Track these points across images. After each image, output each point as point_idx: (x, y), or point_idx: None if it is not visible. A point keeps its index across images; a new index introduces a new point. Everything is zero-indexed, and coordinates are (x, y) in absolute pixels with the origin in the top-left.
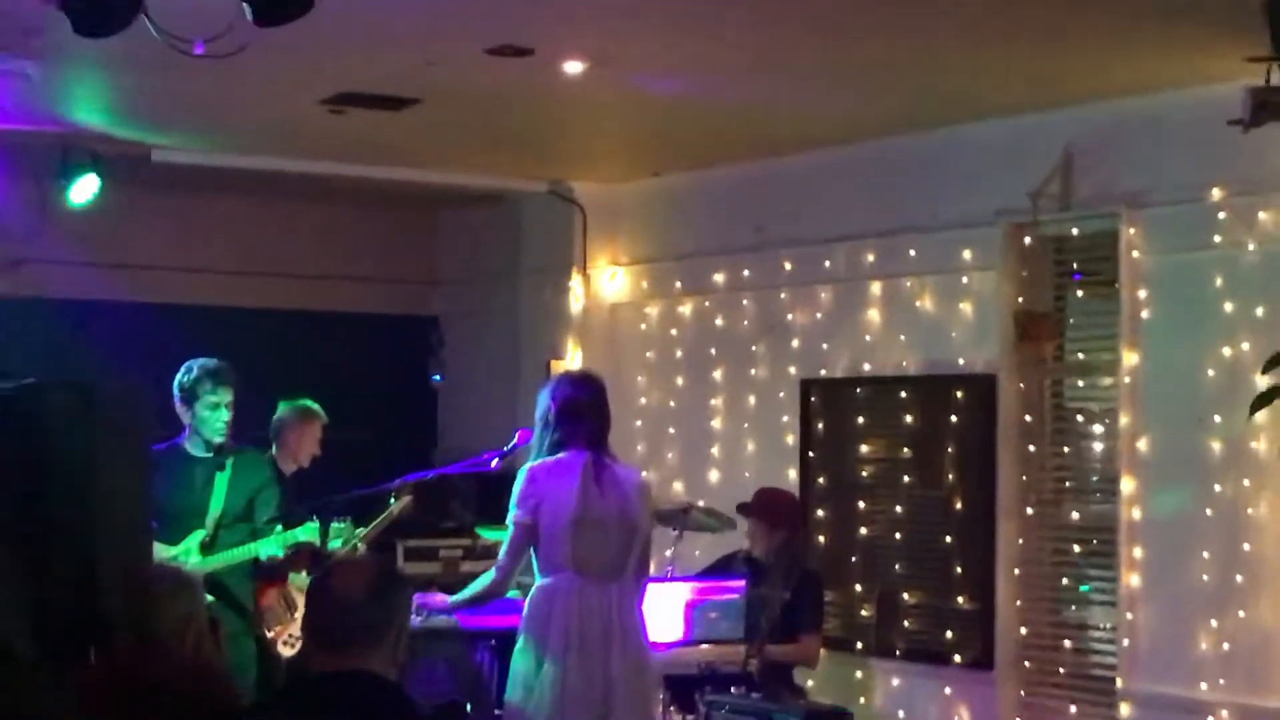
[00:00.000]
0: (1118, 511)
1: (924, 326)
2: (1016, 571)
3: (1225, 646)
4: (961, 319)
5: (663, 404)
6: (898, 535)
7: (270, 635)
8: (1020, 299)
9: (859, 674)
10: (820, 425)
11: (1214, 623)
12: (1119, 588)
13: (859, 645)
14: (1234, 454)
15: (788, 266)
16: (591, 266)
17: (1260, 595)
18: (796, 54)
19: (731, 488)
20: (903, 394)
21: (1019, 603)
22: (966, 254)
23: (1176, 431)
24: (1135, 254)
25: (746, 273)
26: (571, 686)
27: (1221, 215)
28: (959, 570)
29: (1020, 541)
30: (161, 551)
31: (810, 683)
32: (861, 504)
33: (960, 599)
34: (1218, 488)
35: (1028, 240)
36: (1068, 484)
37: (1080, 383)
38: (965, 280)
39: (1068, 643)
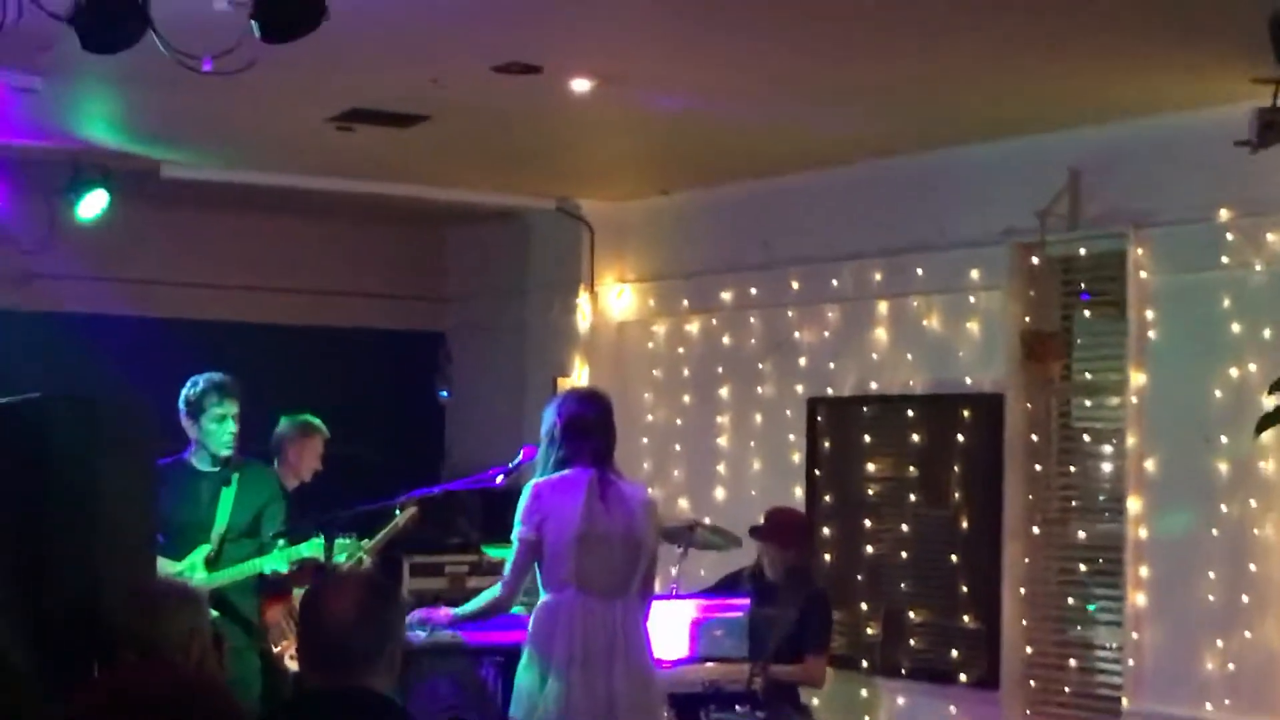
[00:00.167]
0: (1124, 531)
1: (931, 345)
2: (1022, 591)
3: (1231, 667)
4: (969, 338)
5: (669, 422)
6: (904, 554)
7: (276, 650)
8: (1027, 319)
9: (864, 692)
10: (827, 444)
11: (1220, 643)
12: (1125, 607)
13: (864, 664)
14: (1241, 474)
15: (795, 285)
16: (599, 284)
17: (1266, 615)
18: (804, 73)
19: (737, 506)
20: (909, 413)
21: (1025, 622)
22: (974, 273)
23: (1183, 452)
24: (1143, 274)
25: (754, 291)
26: (575, 703)
27: (1229, 236)
28: (965, 589)
29: (1026, 561)
30: (166, 566)
31: (816, 701)
32: (867, 522)
33: (966, 618)
34: (1224, 508)
35: (1035, 260)
36: (1074, 503)
37: (1087, 402)
38: (972, 300)
39: (1073, 662)
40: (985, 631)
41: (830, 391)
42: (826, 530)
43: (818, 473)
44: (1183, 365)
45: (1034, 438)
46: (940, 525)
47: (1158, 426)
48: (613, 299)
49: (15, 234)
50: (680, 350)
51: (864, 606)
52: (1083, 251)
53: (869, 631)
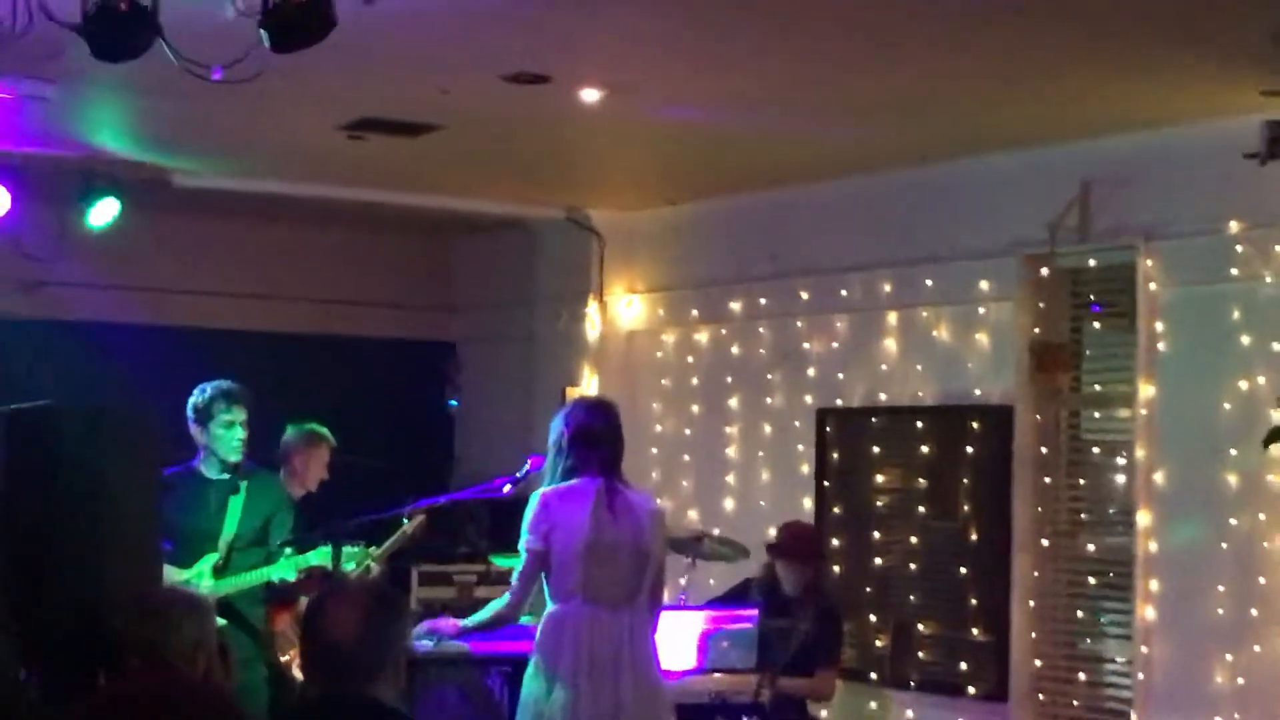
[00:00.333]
0: (1133, 544)
1: (940, 357)
2: (1031, 603)
3: (1240, 680)
4: (978, 350)
5: (678, 432)
6: (912, 566)
7: (284, 660)
8: (1037, 330)
9: (873, 705)
10: (835, 455)
11: (1229, 656)
12: (1134, 620)
13: (873, 676)
14: (1250, 487)
15: (804, 296)
16: (608, 294)
17: (1275, 629)
18: (814, 84)
19: (746, 516)
20: (918, 424)
21: (1034, 635)
22: (983, 285)
23: (1193, 464)
24: (1152, 286)
25: (763, 301)
26: (582, 713)
27: (1239, 248)
28: (974, 602)
29: (1035, 573)
30: (174, 574)
31: (825, 714)
32: (876, 534)
33: (975, 630)
34: (1233, 521)
35: (1045, 272)
36: (1083, 516)
37: (1097, 414)
38: (982, 311)
39: (1082, 675)
40: (994, 644)
41: (839, 402)
42: (835, 541)
43: (826, 484)
44: (1192, 377)
45: (1043, 450)
46: (949, 537)
47: (1167, 439)
48: (622, 309)
49: (26, 242)
50: (689, 360)
51: (873, 618)
52: (1092, 263)
53: (878, 643)
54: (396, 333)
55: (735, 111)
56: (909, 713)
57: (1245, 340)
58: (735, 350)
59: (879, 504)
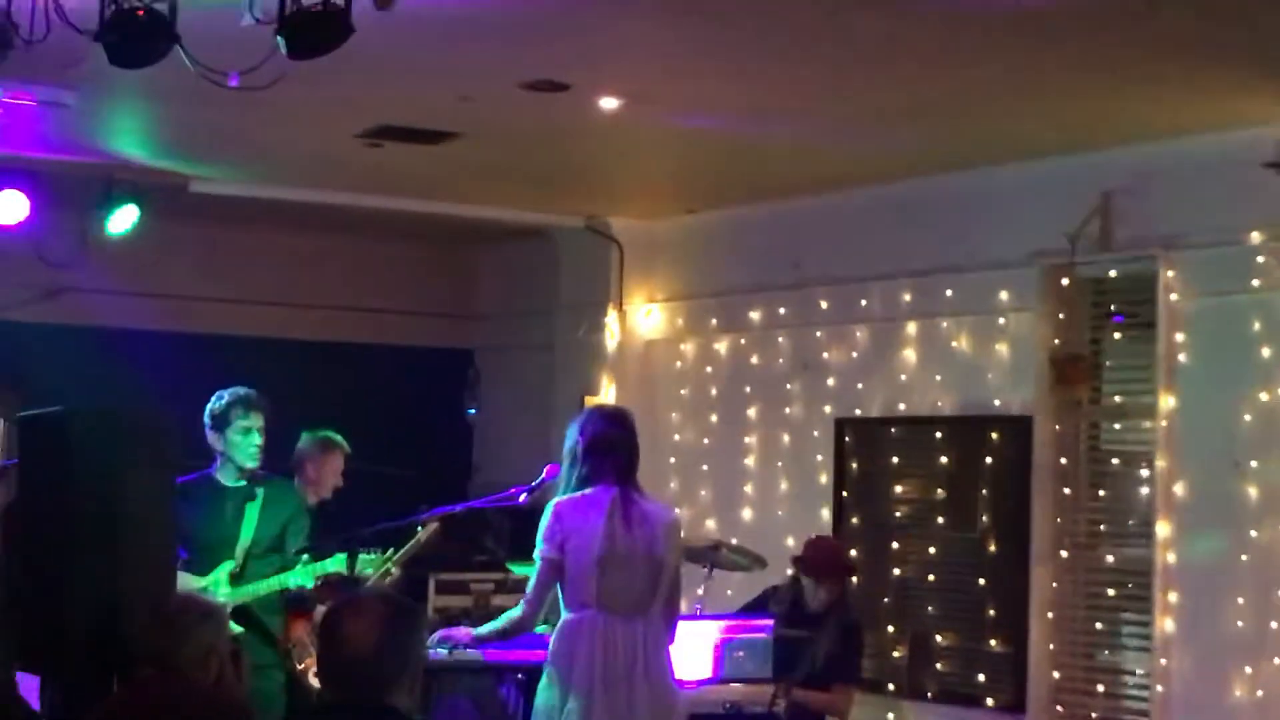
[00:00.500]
0: (1153, 556)
1: (960, 367)
2: (1050, 615)
3: (1260, 693)
4: (998, 360)
5: (696, 441)
6: (931, 577)
7: (301, 668)
8: (1057, 341)
9: (891, 716)
10: (854, 465)
11: (1248, 669)
12: (1153, 632)
13: (891, 687)
14: (1270, 499)
15: (824, 305)
16: (628, 303)
17: None
18: (833, 94)
19: (765, 526)
20: (938, 435)
21: (1052, 646)
22: (1003, 295)
23: (1213, 476)
24: (1173, 297)
25: (782, 311)
26: None
27: (1260, 258)
28: (992, 613)
29: (1054, 585)
30: (191, 582)
31: None
32: (895, 545)
33: (993, 642)
34: (1254, 533)
35: (1065, 282)
36: (1103, 527)
37: (1117, 426)
38: (1002, 321)
39: (1101, 687)
40: (1012, 655)
41: (858, 412)
42: (854, 552)
43: (845, 494)
44: (1213, 388)
45: (1063, 461)
46: (968, 548)
47: (1187, 450)
48: (641, 318)
49: (46, 248)
50: (708, 370)
51: (890, 629)
52: (1113, 273)
53: (895, 654)
54: (415, 341)
55: (754, 120)
56: None
57: (1266, 351)
58: (754, 360)
59: (897, 514)
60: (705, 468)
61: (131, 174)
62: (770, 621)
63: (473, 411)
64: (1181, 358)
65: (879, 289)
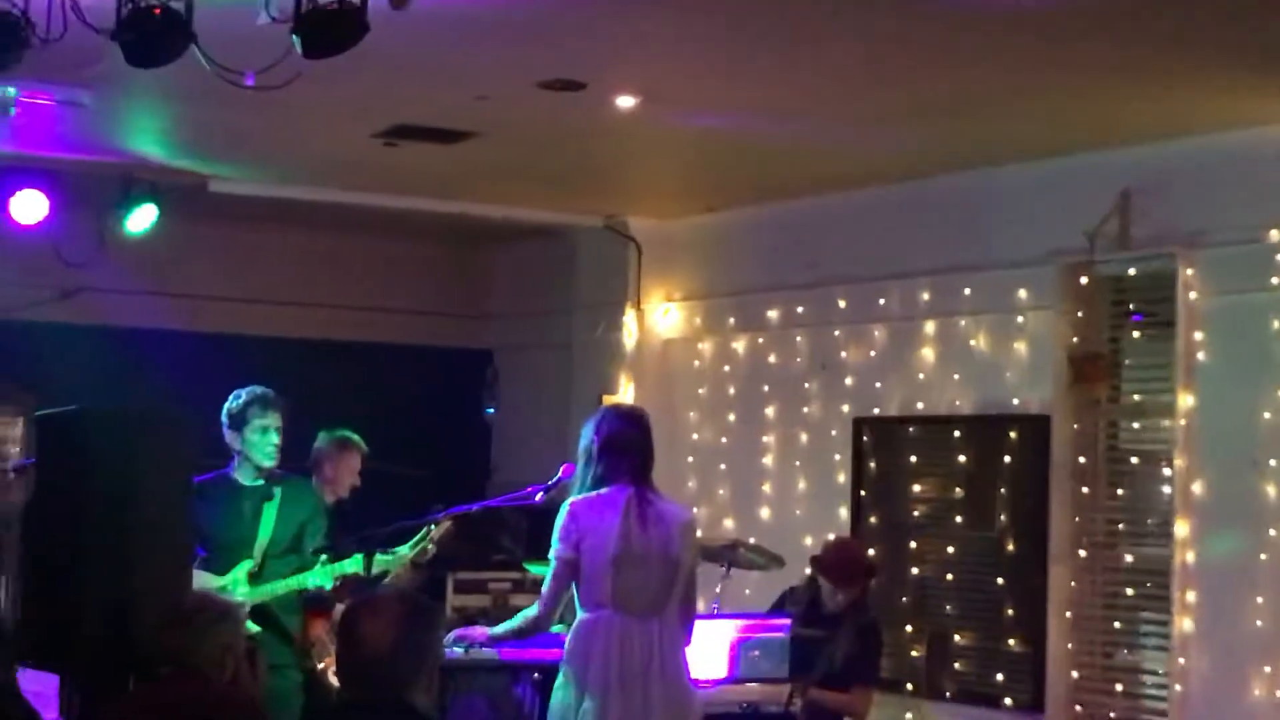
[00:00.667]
0: (1171, 555)
1: (978, 366)
2: (1068, 614)
3: (1279, 693)
4: (1016, 359)
5: (714, 440)
6: (949, 576)
7: (320, 667)
8: (1075, 339)
9: (909, 716)
10: (872, 464)
11: (1267, 669)
12: (1172, 632)
13: (909, 686)
14: None
15: (842, 304)
16: (645, 302)
17: None
18: (851, 92)
19: (783, 525)
20: (956, 434)
21: (1070, 646)
22: (1022, 293)
23: (1232, 475)
24: (1192, 295)
25: (800, 310)
26: None
27: (1279, 257)
28: (1010, 612)
29: (1072, 584)
30: (209, 581)
31: None
32: (913, 544)
33: (1011, 641)
34: (1273, 532)
35: (1084, 280)
36: (1121, 526)
37: (1135, 424)
38: (1020, 320)
39: (1120, 687)
40: (1031, 655)
41: (876, 411)
42: (872, 551)
43: (863, 493)
44: (1232, 387)
45: (1081, 460)
46: (986, 547)
47: (1206, 449)
48: (659, 317)
49: (64, 247)
50: (726, 369)
51: (909, 629)
52: (1132, 272)
53: (913, 654)
54: (433, 340)
55: (771, 119)
56: None
57: None
58: (772, 359)
59: (915, 514)
60: (723, 467)
61: (149, 173)
62: (787, 621)
63: (491, 411)
64: (1200, 356)
65: (897, 288)
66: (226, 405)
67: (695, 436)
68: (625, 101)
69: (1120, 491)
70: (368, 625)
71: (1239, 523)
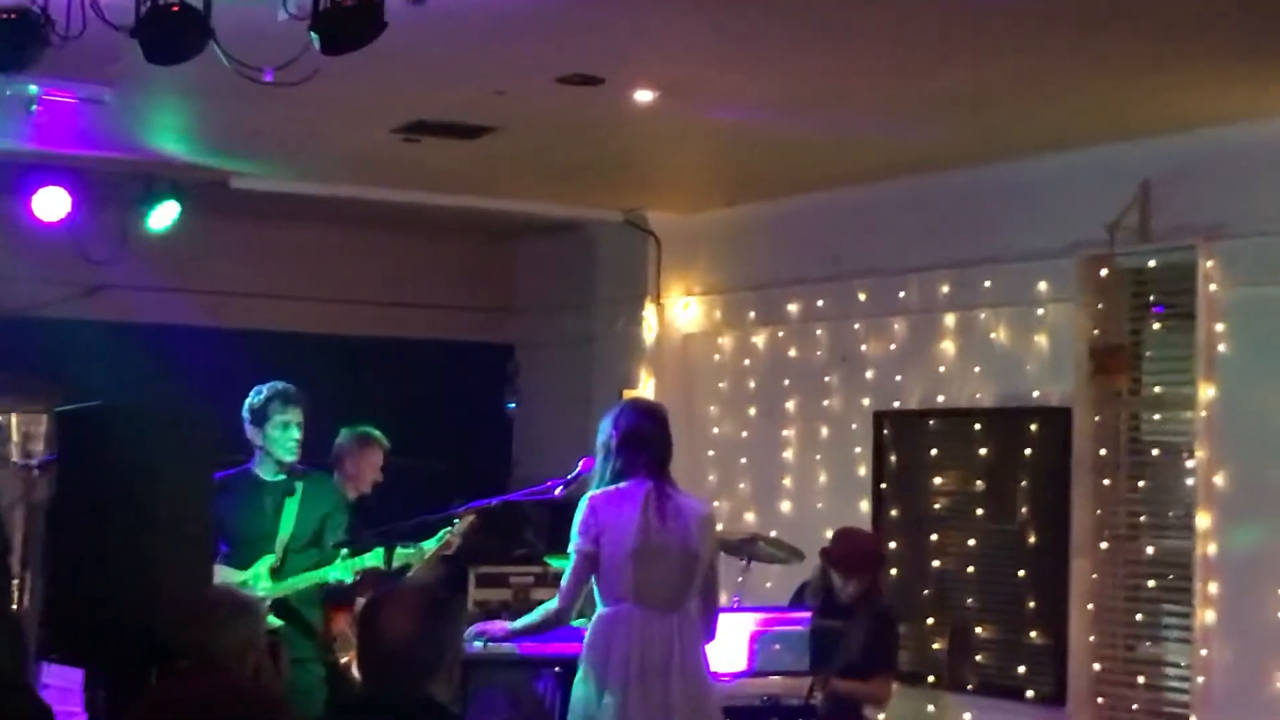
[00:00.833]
0: (1193, 547)
1: (999, 359)
2: (1090, 606)
3: None
4: (1037, 351)
5: (735, 434)
6: (970, 569)
7: (344, 661)
8: (1096, 331)
9: (931, 708)
10: (893, 457)
11: None
12: (1194, 624)
13: (931, 679)
14: None
15: (862, 297)
16: (665, 296)
17: None
18: (871, 85)
19: (803, 519)
20: (976, 426)
21: (1092, 638)
22: (1042, 286)
23: (1254, 466)
24: (1213, 287)
25: (820, 303)
26: (631, 716)
27: None
28: (1032, 605)
29: (1094, 576)
30: (231, 576)
31: (881, 717)
32: (934, 537)
33: (1033, 634)
34: None
35: (1104, 272)
36: (1143, 519)
37: (1156, 416)
38: (1041, 312)
39: (1141, 679)
40: (1052, 647)
41: (897, 405)
42: (893, 544)
43: (884, 486)
44: (1254, 378)
45: (1102, 452)
46: (1007, 540)
47: (1228, 440)
48: (679, 311)
49: (87, 245)
50: (746, 363)
51: (930, 621)
52: (1152, 264)
53: (935, 647)
54: (454, 335)
55: (789, 112)
56: (967, 716)
57: None
58: (793, 353)
59: (937, 507)
60: (744, 460)
61: (171, 170)
62: (808, 614)
63: (512, 406)
64: (1221, 348)
65: (917, 281)
66: (248, 401)
67: (715, 430)
68: (644, 96)
69: (1141, 484)
70: (387, 618)
71: (1261, 514)
